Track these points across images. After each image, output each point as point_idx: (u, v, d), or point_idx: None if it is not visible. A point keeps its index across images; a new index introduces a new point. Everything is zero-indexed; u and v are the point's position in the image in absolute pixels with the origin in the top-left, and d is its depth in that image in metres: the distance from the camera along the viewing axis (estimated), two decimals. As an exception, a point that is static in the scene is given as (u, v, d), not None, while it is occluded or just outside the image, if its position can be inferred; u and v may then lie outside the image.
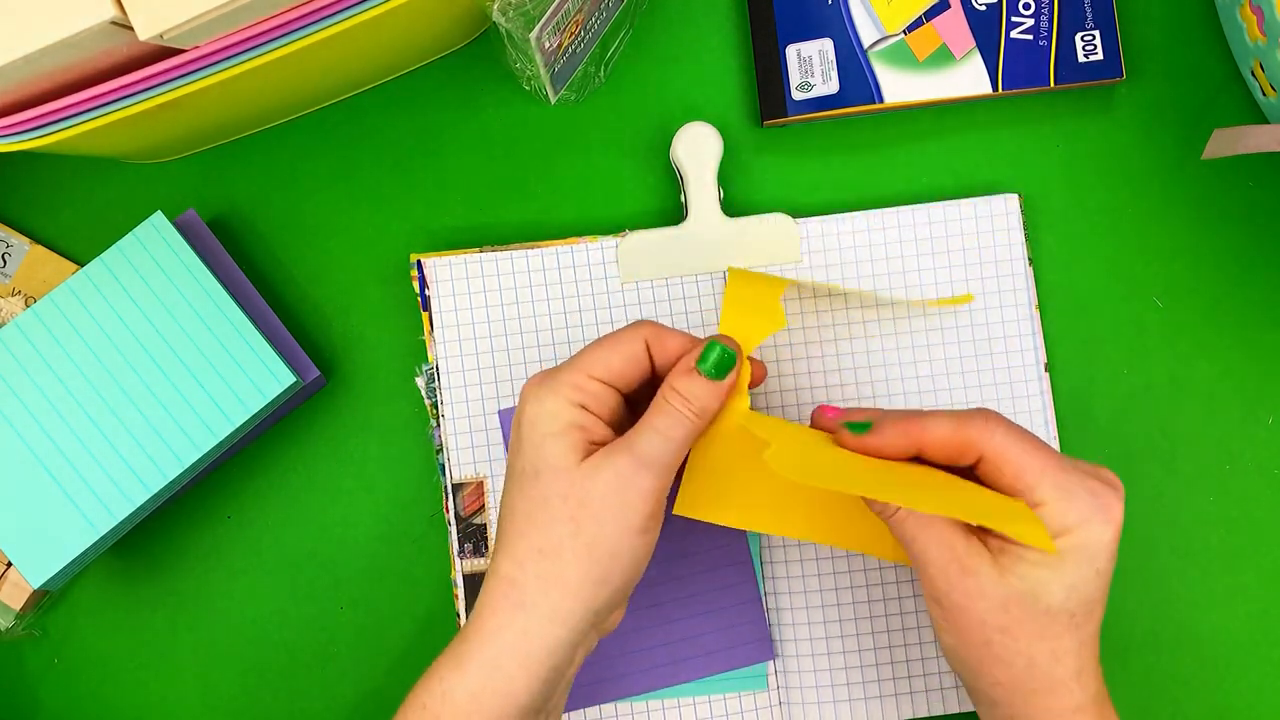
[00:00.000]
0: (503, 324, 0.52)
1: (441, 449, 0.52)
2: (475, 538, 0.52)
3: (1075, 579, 0.40)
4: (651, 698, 0.51)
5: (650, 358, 0.44)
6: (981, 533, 0.41)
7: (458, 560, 0.52)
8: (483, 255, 0.52)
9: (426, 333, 0.52)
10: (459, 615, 0.51)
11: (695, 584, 0.52)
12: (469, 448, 0.52)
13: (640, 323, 0.44)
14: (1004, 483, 0.41)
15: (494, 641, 0.41)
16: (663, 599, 0.51)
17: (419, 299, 0.52)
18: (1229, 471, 0.54)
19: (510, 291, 0.53)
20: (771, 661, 0.51)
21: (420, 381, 0.53)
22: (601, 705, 0.51)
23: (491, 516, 0.52)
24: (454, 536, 0.52)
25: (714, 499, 0.46)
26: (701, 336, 0.45)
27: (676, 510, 0.45)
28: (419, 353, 0.54)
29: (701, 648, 0.51)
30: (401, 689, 0.53)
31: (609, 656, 0.51)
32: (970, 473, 0.43)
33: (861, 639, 0.52)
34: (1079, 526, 0.40)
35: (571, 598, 0.41)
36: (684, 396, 0.42)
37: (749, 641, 0.51)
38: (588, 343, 0.45)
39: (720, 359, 0.43)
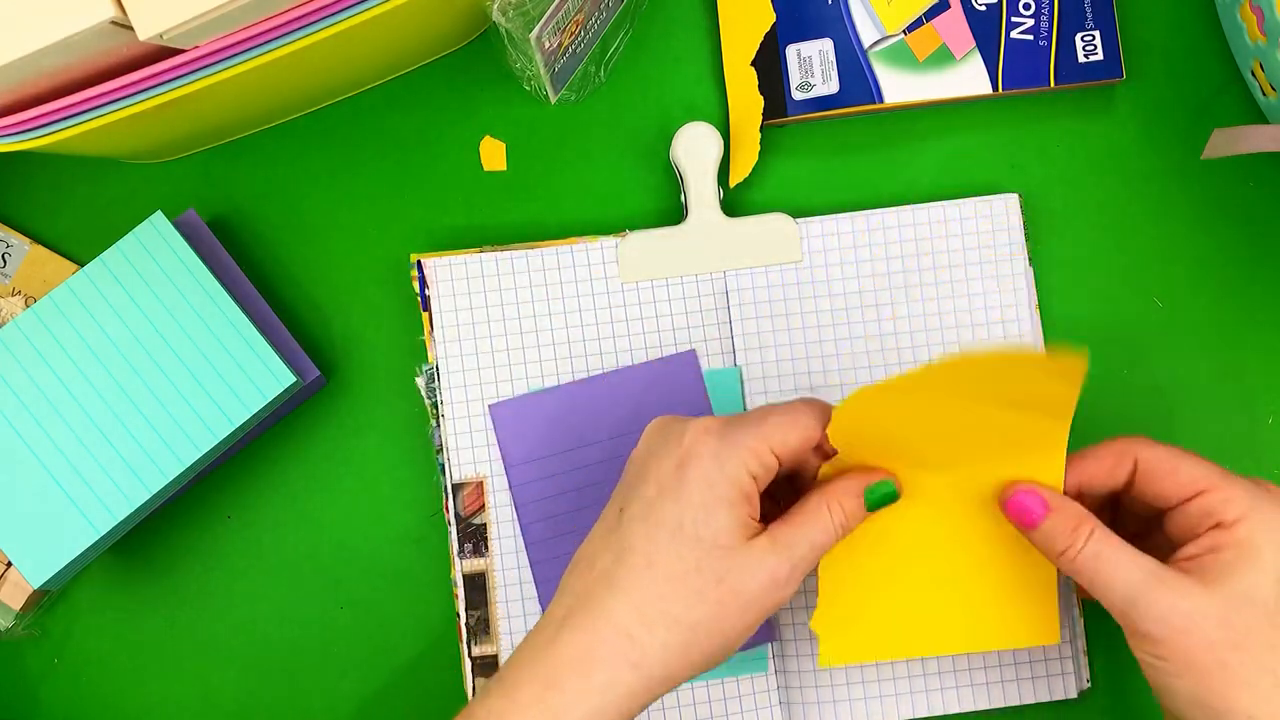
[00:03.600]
0: (502, 324, 0.52)
1: (441, 449, 0.52)
2: (475, 538, 0.52)
3: (1277, 568, 0.38)
4: None
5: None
6: (1170, 557, 0.41)
7: (457, 560, 0.52)
8: (483, 255, 0.52)
9: (426, 333, 0.52)
10: (459, 615, 0.51)
11: None
12: (469, 448, 0.52)
13: (817, 403, 0.43)
14: (1164, 485, 0.41)
15: (599, 697, 0.38)
16: None
17: (419, 299, 0.52)
18: (1229, 471, 0.54)
19: (510, 292, 0.53)
20: (772, 660, 0.51)
21: (420, 381, 0.53)
22: None
23: (492, 515, 0.52)
24: (454, 536, 0.52)
25: (858, 629, 0.47)
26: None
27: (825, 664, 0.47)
28: (419, 353, 0.54)
29: None
30: (402, 689, 0.53)
31: None
32: (1125, 496, 0.43)
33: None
34: (1253, 510, 0.39)
35: (686, 670, 0.40)
36: (845, 515, 0.42)
37: None
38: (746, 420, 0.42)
39: (885, 497, 0.43)
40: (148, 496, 0.49)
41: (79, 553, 0.48)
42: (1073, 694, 0.51)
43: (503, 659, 0.52)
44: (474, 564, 0.52)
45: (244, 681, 0.54)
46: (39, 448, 0.49)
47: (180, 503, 0.54)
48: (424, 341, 0.53)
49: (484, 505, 0.52)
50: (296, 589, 0.54)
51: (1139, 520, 0.45)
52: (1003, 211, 0.53)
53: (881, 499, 0.43)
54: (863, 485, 0.43)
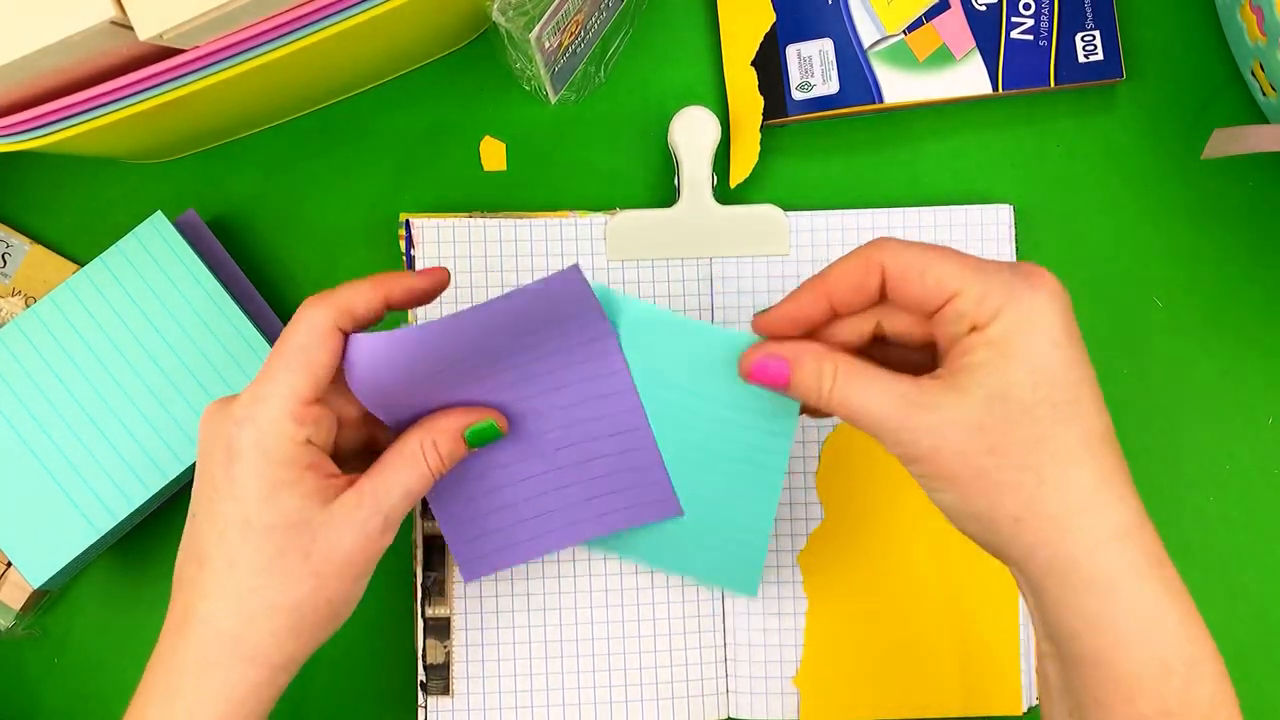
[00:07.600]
0: (485, 290, 0.52)
1: None
2: None
3: (1034, 360, 0.35)
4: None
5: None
6: (928, 370, 0.37)
7: (419, 521, 0.52)
8: (471, 220, 0.52)
9: None
10: (415, 575, 0.52)
11: (592, 449, 0.47)
12: None
13: (318, 310, 0.39)
14: (914, 291, 0.36)
15: (223, 701, 0.38)
16: (561, 463, 0.47)
17: (404, 258, 0.52)
18: (1229, 471, 0.54)
19: (496, 259, 0.52)
20: (723, 647, 0.51)
21: None
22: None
23: None
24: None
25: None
26: None
27: None
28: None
29: (605, 506, 0.48)
30: (401, 688, 0.53)
31: (505, 525, 0.48)
32: (881, 306, 0.39)
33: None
34: (1009, 303, 0.35)
35: (307, 648, 0.40)
36: (442, 457, 0.41)
37: (657, 499, 0.48)
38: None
39: (487, 433, 0.43)
40: (148, 496, 0.49)
41: (79, 553, 0.48)
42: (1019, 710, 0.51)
43: (454, 622, 0.52)
44: (434, 525, 0.52)
45: (244, 681, 0.54)
46: (39, 448, 0.49)
47: (180, 502, 0.54)
48: None
49: None
50: (296, 589, 0.54)
51: (921, 347, 0.40)
52: (994, 221, 0.53)
53: (484, 435, 0.42)
54: (464, 424, 0.42)
